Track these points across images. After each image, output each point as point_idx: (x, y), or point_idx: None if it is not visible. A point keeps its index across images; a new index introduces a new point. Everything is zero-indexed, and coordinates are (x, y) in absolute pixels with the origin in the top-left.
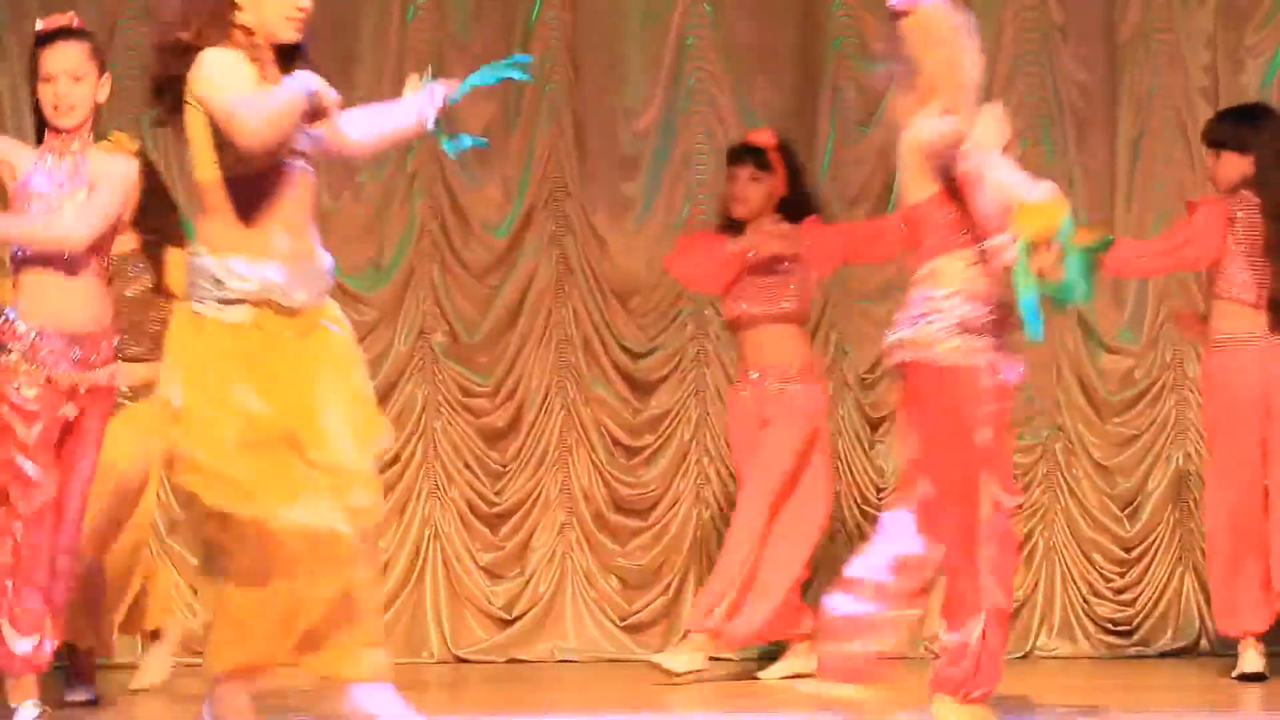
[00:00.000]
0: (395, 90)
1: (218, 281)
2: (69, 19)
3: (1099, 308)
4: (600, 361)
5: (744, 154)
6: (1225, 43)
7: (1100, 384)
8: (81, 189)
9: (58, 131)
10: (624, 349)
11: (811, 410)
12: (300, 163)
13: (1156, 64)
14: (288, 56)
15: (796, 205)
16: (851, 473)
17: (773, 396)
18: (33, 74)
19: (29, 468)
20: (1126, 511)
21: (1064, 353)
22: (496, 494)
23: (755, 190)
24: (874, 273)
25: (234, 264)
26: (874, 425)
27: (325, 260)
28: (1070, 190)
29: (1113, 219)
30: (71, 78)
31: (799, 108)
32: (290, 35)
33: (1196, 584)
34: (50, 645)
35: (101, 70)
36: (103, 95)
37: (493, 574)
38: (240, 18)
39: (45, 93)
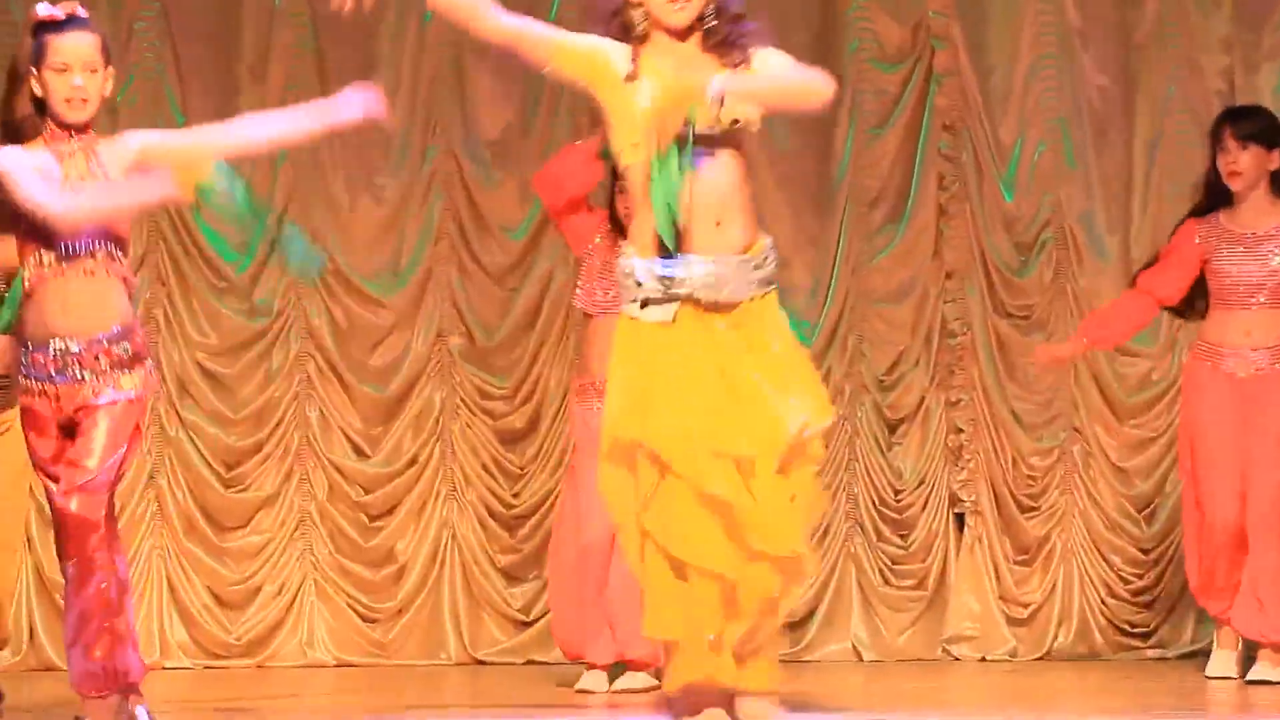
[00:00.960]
0: (413, 94)
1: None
2: (74, 7)
3: None
4: None
5: None
6: (1242, 45)
7: (1117, 386)
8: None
9: (65, 126)
10: None
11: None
12: None
13: (1173, 67)
14: None
15: None
16: (869, 474)
17: None
18: (30, 60)
19: None
20: (1144, 513)
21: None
22: (514, 496)
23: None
24: (891, 275)
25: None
26: (892, 427)
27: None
28: (1088, 192)
29: (1130, 221)
30: (88, 69)
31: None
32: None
33: None
34: None
35: (109, 65)
36: (108, 89)
37: (511, 576)
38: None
39: (56, 82)
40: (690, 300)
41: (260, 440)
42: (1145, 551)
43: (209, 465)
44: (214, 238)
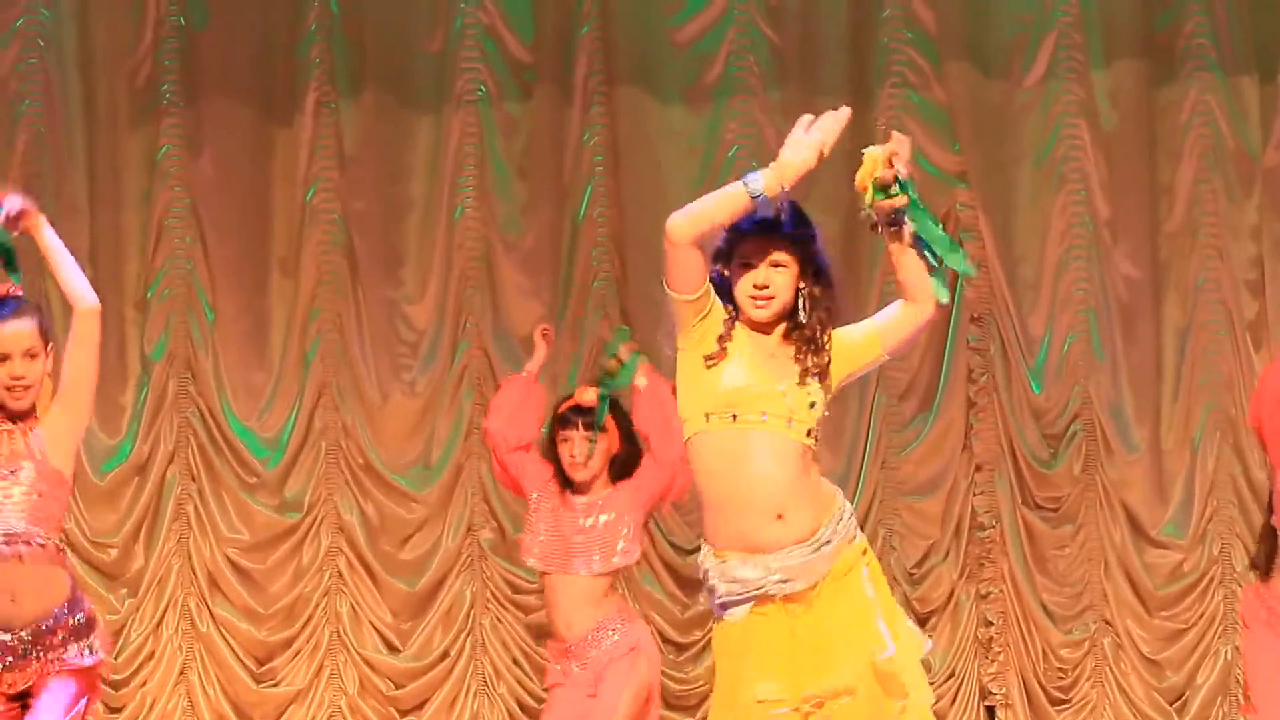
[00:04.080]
0: (443, 290)
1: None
2: (7, 288)
3: (1145, 502)
4: (650, 559)
5: (573, 417)
6: (1271, 234)
7: (1147, 578)
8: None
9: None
10: (672, 545)
11: None
12: None
13: (1203, 257)
14: None
15: (630, 460)
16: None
17: None
18: None
19: None
20: (1175, 705)
21: (1110, 547)
22: (545, 691)
23: (593, 450)
24: (921, 467)
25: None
26: (922, 620)
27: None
28: (1117, 383)
29: (1159, 411)
30: (27, 356)
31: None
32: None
33: None
34: None
35: (49, 344)
36: (49, 366)
37: None
38: None
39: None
40: (765, 596)
41: (291, 635)
42: None
43: (240, 660)
44: (245, 434)
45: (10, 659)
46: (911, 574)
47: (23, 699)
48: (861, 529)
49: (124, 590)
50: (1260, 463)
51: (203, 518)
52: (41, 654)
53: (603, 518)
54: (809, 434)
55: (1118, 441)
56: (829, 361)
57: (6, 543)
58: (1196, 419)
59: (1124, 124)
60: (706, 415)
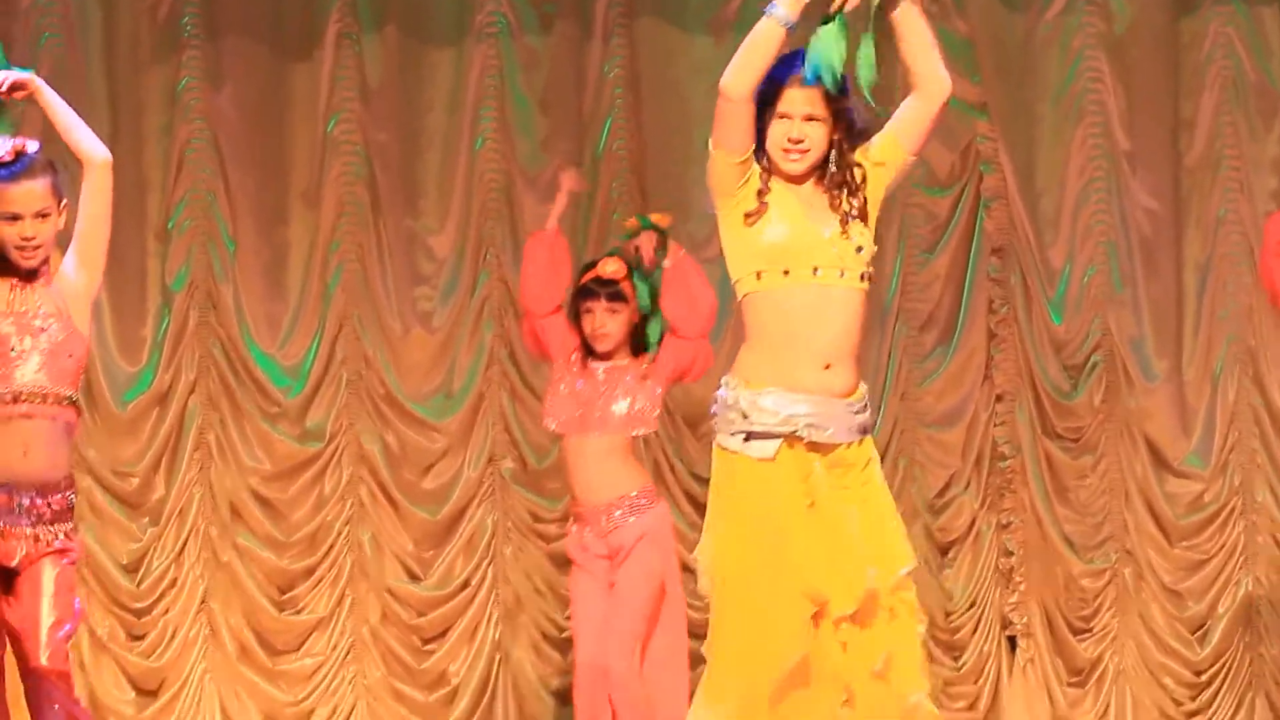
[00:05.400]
0: (464, 221)
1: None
2: (23, 144)
3: (1165, 433)
4: (671, 489)
5: (595, 289)
6: None
7: (1169, 508)
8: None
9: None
10: (694, 475)
11: None
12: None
13: (1224, 190)
14: None
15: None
16: (921, 597)
17: None
18: None
19: None
20: (1197, 635)
21: (1131, 477)
22: (567, 619)
23: (615, 322)
24: (942, 398)
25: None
26: (943, 550)
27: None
28: (1137, 316)
29: (1180, 344)
30: (39, 216)
31: None
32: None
33: (1268, 708)
34: None
35: (62, 202)
36: (62, 224)
37: (564, 699)
38: None
39: (7, 231)
40: (793, 438)
41: (313, 564)
42: (1198, 674)
43: (262, 589)
44: (266, 364)
45: (5, 522)
46: (932, 504)
47: (6, 578)
48: (882, 460)
49: (146, 519)
50: None
51: (224, 447)
52: (33, 524)
53: (622, 386)
54: (862, 278)
55: (1138, 373)
56: (866, 200)
57: (27, 399)
58: (1217, 351)
59: (1145, 57)
60: (758, 274)
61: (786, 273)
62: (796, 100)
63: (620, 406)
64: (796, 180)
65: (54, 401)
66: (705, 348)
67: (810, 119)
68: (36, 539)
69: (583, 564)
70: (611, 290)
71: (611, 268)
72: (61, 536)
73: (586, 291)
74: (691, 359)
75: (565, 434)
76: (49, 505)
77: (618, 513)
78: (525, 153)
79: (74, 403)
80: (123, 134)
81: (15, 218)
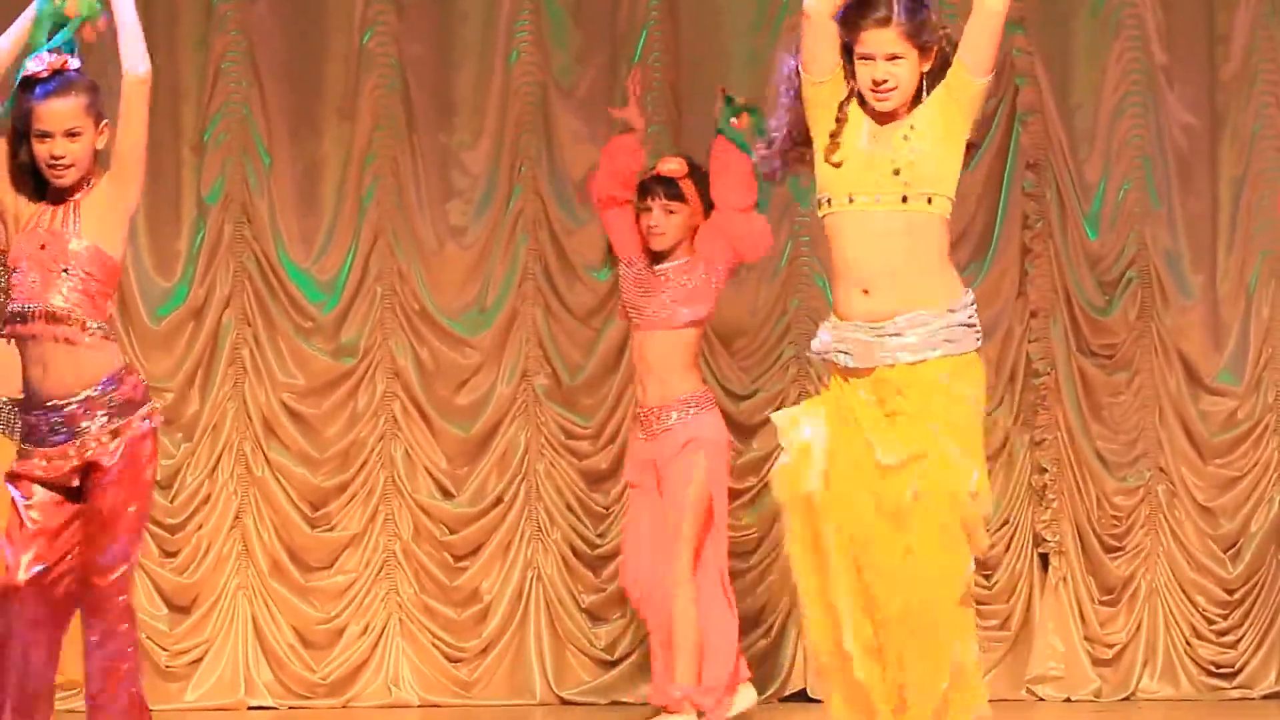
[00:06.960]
0: (499, 135)
1: None
2: (63, 60)
3: (1199, 349)
4: None
5: (654, 186)
6: None
7: (1202, 425)
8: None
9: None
10: (727, 391)
11: None
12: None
13: (1260, 105)
14: None
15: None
16: None
17: None
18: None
19: None
20: (1229, 553)
21: (1165, 394)
22: (599, 536)
23: (672, 222)
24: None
25: None
26: None
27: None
28: (1173, 231)
29: (1215, 260)
30: (70, 135)
31: None
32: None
33: None
34: None
35: (100, 121)
36: (102, 143)
37: (595, 616)
38: None
39: (39, 149)
40: (833, 365)
41: (346, 480)
42: (1230, 591)
43: (294, 505)
44: (300, 279)
45: (40, 436)
46: None
47: (76, 495)
48: None
49: (179, 435)
50: None
51: (258, 362)
52: (73, 434)
53: (681, 286)
54: (930, 201)
55: (1173, 289)
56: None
57: (49, 322)
58: (1252, 266)
59: None
60: (829, 200)
61: (829, 201)
62: (876, 41)
63: (679, 305)
64: (887, 117)
65: (83, 324)
66: (759, 223)
67: (893, 58)
68: (84, 445)
69: (638, 482)
70: (670, 189)
71: (671, 165)
72: (136, 423)
73: (645, 189)
74: (744, 233)
75: (632, 330)
76: (108, 401)
77: (672, 415)
78: (560, 65)
79: (102, 328)
80: (158, 46)
81: (46, 135)
